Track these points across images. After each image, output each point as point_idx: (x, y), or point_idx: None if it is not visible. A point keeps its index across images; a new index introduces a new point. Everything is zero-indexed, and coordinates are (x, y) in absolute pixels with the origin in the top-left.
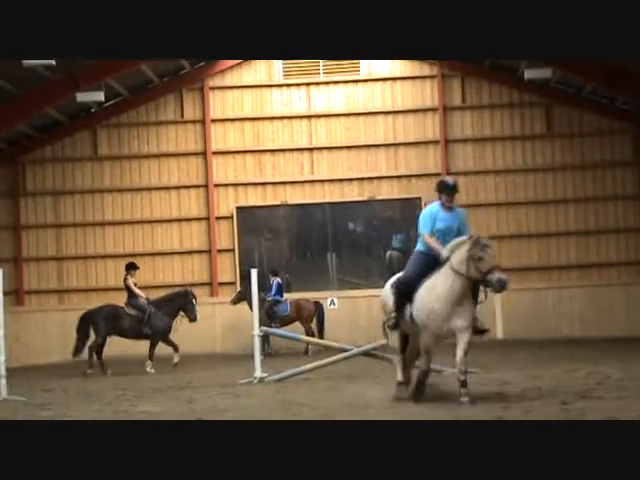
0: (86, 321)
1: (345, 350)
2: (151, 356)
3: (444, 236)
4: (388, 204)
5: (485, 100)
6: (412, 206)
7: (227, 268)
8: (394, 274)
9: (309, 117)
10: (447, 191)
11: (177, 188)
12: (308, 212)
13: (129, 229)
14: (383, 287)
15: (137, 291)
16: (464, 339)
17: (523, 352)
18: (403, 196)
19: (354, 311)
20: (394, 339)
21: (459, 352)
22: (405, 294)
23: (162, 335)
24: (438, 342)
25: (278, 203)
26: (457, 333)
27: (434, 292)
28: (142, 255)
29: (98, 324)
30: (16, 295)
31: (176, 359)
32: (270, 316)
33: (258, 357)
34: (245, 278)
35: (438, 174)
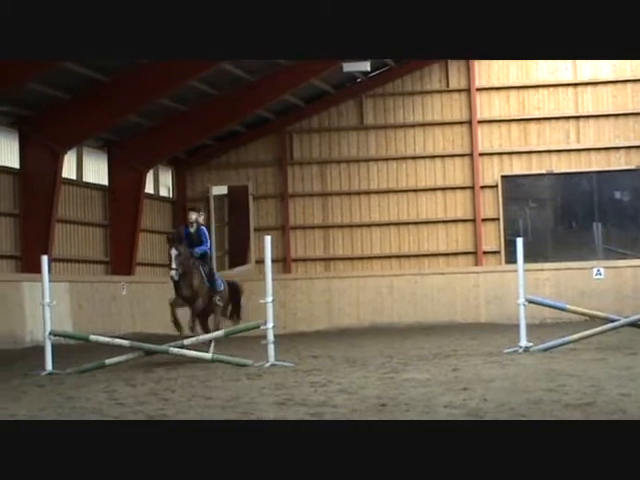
0: None
1: (612, 320)
2: None
3: None
4: None
5: None
6: None
7: (491, 237)
8: None
9: (575, 85)
10: None
11: (442, 157)
12: (573, 181)
13: (394, 198)
14: None
15: None
16: None
17: None
18: None
19: (620, 281)
20: None
21: None
22: None
23: None
24: None
25: (543, 172)
26: None
27: None
28: (406, 224)
29: None
30: (283, 262)
31: None
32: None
33: (523, 326)
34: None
35: None
